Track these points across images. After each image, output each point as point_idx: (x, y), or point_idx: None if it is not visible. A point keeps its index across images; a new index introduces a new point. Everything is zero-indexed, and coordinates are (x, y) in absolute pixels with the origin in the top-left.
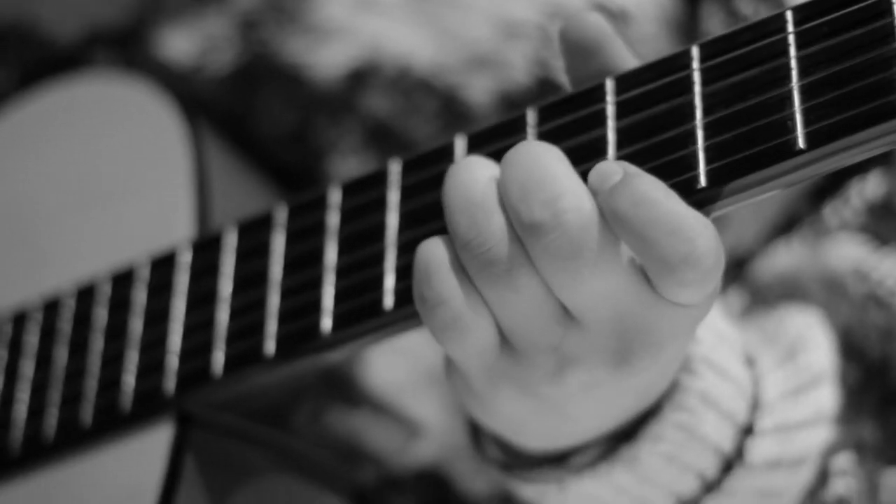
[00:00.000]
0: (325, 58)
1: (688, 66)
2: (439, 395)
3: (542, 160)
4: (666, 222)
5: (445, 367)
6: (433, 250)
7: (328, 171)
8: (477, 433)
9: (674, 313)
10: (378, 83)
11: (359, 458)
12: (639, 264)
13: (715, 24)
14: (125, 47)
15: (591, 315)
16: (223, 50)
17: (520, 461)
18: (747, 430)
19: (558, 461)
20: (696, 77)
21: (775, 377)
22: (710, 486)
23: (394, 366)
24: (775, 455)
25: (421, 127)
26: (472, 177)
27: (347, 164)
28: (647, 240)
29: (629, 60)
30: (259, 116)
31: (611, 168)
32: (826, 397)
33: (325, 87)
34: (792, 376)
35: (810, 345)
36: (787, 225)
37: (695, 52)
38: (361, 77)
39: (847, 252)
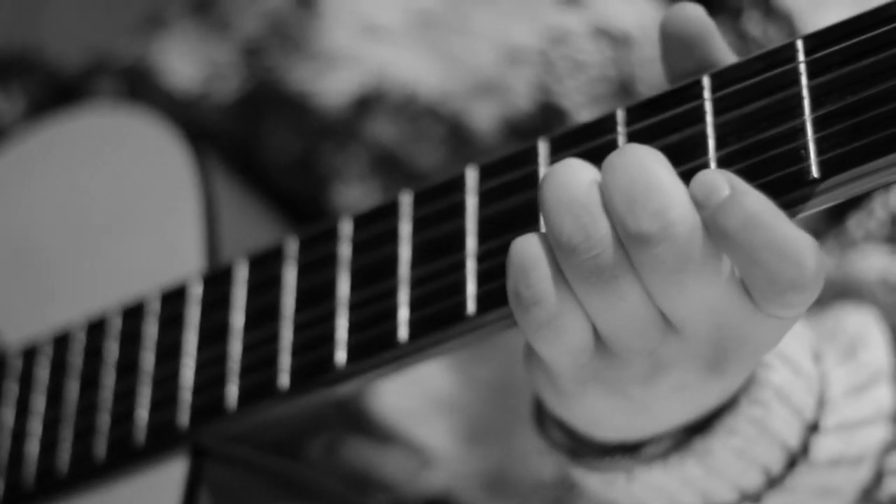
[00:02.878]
0: (331, 85)
1: (699, 95)
2: (449, 422)
3: (647, 166)
4: (776, 246)
5: (527, 358)
6: (529, 247)
7: (333, 199)
8: (541, 416)
9: (770, 324)
10: (384, 110)
11: (370, 487)
12: (738, 276)
13: None
14: (130, 76)
15: (690, 324)
16: (228, 77)
17: (588, 449)
18: (813, 427)
19: (629, 451)
20: (708, 107)
21: (837, 374)
22: (774, 482)
23: (404, 394)
24: (838, 453)
25: (427, 154)
26: (574, 178)
27: (353, 192)
28: (756, 262)
29: (729, 56)
30: (264, 144)
31: (717, 182)
32: (885, 395)
33: (331, 115)
34: (853, 374)
35: (869, 342)
36: None
37: (706, 81)
38: (367, 104)
39: (873, 262)
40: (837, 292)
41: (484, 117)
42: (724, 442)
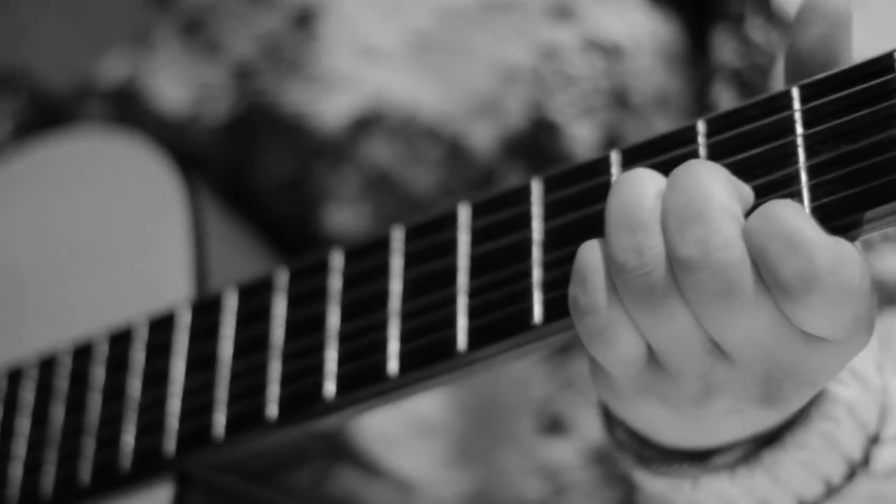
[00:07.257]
0: (329, 107)
1: (693, 140)
2: (432, 446)
3: (704, 188)
4: (784, 238)
5: (590, 362)
6: (590, 254)
7: (324, 220)
8: (609, 418)
9: (822, 351)
10: (381, 131)
11: None
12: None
13: (728, 53)
14: (118, 99)
15: (740, 352)
16: (218, 99)
17: (653, 451)
18: (874, 439)
19: (696, 458)
20: (703, 153)
21: (894, 384)
22: (832, 492)
23: (386, 419)
24: (895, 463)
25: (422, 176)
26: (636, 191)
27: (344, 214)
28: (765, 256)
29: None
30: (255, 166)
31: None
32: None
33: (328, 136)
34: None
35: None
36: None
37: (700, 127)
38: (365, 125)
39: (891, 264)
40: (886, 298)
41: (482, 138)
42: (795, 455)
